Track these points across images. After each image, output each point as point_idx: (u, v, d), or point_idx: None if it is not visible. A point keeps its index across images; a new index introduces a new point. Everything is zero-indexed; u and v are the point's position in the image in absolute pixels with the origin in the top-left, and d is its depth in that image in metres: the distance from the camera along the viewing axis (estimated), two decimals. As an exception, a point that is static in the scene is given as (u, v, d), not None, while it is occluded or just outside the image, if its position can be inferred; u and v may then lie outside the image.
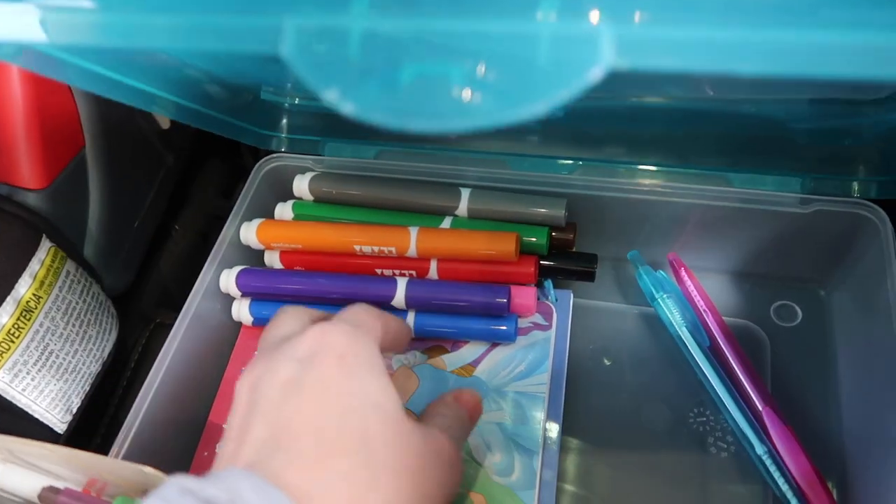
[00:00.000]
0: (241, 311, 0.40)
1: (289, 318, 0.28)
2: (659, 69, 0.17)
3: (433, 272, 0.38)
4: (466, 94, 0.18)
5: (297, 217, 0.42)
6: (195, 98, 0.37)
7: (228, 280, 0.39)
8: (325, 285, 0.39)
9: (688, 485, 0.35)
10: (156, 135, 0.46)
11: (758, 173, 0.38)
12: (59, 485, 0.29)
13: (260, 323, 0.40)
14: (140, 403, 0.34)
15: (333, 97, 0.18)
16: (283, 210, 0.42)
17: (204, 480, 0.21)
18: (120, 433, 0.33)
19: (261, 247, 0.41)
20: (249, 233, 0.40)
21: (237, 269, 0.40)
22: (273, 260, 0.41)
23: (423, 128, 0.18)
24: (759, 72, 0.16)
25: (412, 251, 0.37)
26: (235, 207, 0.41)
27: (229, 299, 0.40)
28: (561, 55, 0.17)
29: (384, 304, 0.37)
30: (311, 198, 0.42)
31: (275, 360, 0.25)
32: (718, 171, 0.38)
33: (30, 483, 0.30)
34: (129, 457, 0.33)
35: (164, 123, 0.46)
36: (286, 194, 0.43)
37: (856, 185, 0.36)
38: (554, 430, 0.35)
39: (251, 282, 0.39)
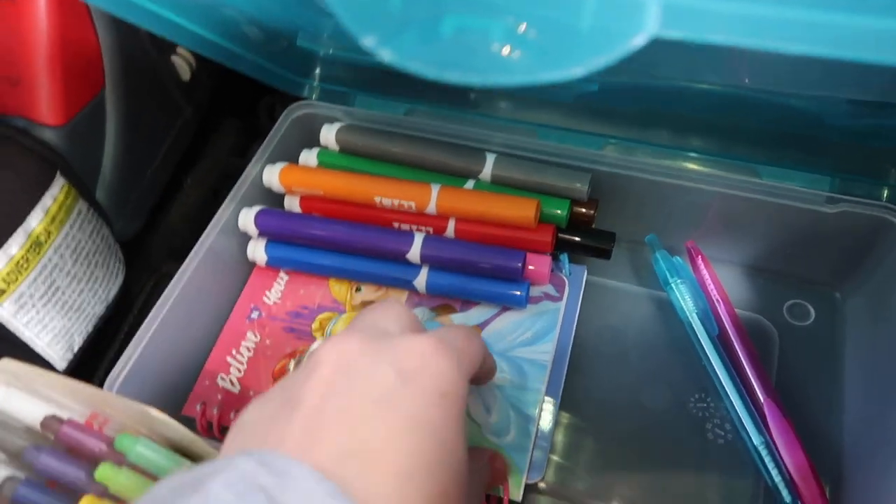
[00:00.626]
0: (257, 250, 0.40)
1: (392, 312, 0.26)
2: (701, 41, 0.17)
3: (450, 231, 0.38)
4: (506, 50, 0.18)
5: (322, 165, 0.42)
6: (231, 38, 0.37)
7: (247, 218, 0.40)
8: (343, 233, 0.39)
9: (681, 468, 0.35)
10: (176, 86, 0.46)
11: (787, 168, 0.37)
12: (63, 415, 0.29)
13: (274, 264, 0.41)
14: (143, 333, 0.34)
15: (371, 43, 0.18)
16: (308, 157, 0.42)
17: (278, 479, 0.19)
18: (120, 360, 0.33)
19: (282, 190, 0.41)
20: (272, 175, 0.40)
21: (257, 207, 0.40)
22: (293, 204, 0.41)
23: (459, 80, 0.18)
24: (797, 51, 0.16)
25: (432, 208, 0.38)
26: (261, 149, 0.41)
27: (245, 238, 0.41)
28: (604, 20, 0.17)
29: (400, 257, 0.38)
30: (336, 148, 0.42)
31: (373, 355, 0.23)
32: (748, 162, 0.38)
33: (32, 410, 0.30)
34: (125, 386, 0.33)
35: (185, 75, 0.46)
36: (313, 142, 0.43)
37: (885, 191, 0.36)
38: (552, 399, 0.35)
39: (270, 222, 0.40)
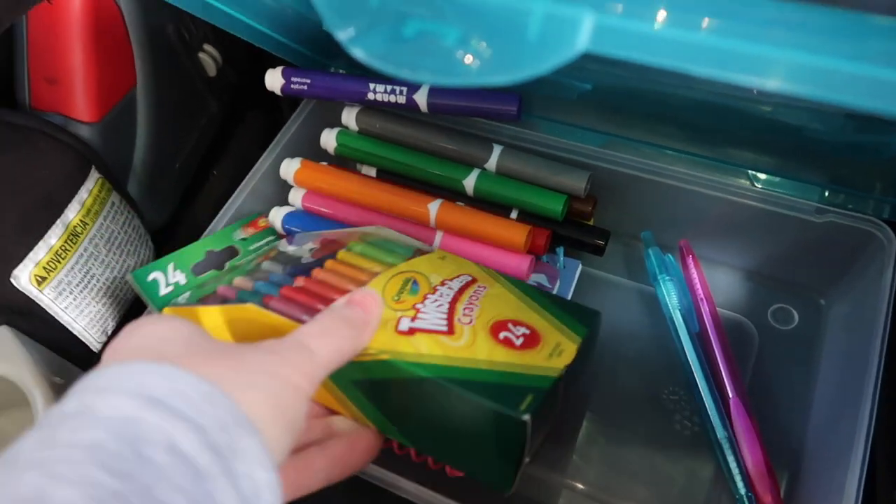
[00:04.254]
0: (276, 219, 0.44)
1: None
2: (628, 59, 0.18)
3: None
4: (460, 54, 0.20)
5: (340, 146, 0.45)
6: (258, 16, 0.40)
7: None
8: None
9: (645, 452, 0.37)
10: (203, 82, 0.49)
11: (781, 177, 0.38)
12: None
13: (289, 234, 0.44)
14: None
15: (345, 38, 0.21)
16: (329, 136, 0.45)
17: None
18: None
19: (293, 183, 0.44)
20: (289, 169, 0.44)
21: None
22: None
23: (418, 79, 0.20)
24: (720, 77, 0.18)
25: (431, 223, 0.41)
26: (288, 123, 0.45)
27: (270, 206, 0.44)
28: (545, 34, 0.19)
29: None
30: (356, 128, 0.45)
31: None
32: (744, 168, 0.39)
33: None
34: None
35: (211, 71, 0.49)
36: (335, 122, 0.46)
37: (871, 203, 0.37)
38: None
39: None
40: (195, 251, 0.40)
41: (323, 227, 0.43)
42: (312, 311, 0.31)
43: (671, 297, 0.39)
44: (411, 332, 0.32)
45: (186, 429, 0.19)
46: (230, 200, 0.42)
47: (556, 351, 0.32)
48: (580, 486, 0.36)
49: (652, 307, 0.41)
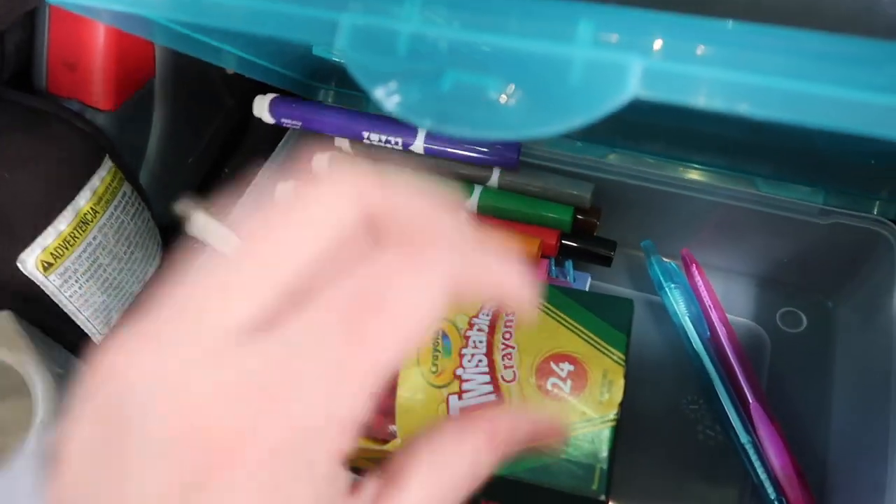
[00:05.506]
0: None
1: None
2: (680, 103, 0.18)
3: None
4: (500, 105, 0.19)
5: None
6: (246, 47, 0.39)
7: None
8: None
9: (672, 466, 0.36)
10: (221, 78, 0.48)
11: (783, 180, 0.39)
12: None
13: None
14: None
15: (380, 95, 0.20)
16: (321, 161, 0.44)
17: None
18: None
19: None
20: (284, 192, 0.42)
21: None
22: None
23: (458, 133, 0.19)
24: (775, 117, 0.18)
25: None
26: (279, 147, 0.44)
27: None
28: (590, 81, 0.19)
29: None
30: (350, 151, 0.44)
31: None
32: (745, 173, 0.39)
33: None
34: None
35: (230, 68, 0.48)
36: (327, 145, 0.45)
37: (877, 204, 0.37)
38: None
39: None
40: None
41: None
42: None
43: (679, 305, 0.39)
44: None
45: None
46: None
47: (606, 383, 0.32)
48: None
49: (659, 316, 0.41)
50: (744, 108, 0.18)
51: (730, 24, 0.18)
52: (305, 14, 0.21)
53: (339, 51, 0.20)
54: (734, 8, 0.20)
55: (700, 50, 0.18)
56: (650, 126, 0.41)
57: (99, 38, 0.38)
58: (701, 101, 0.18)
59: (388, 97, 0.20)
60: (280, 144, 0.44)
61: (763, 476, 0.35)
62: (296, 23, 0.21)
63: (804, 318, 0.41)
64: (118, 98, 0.40)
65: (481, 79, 0.19)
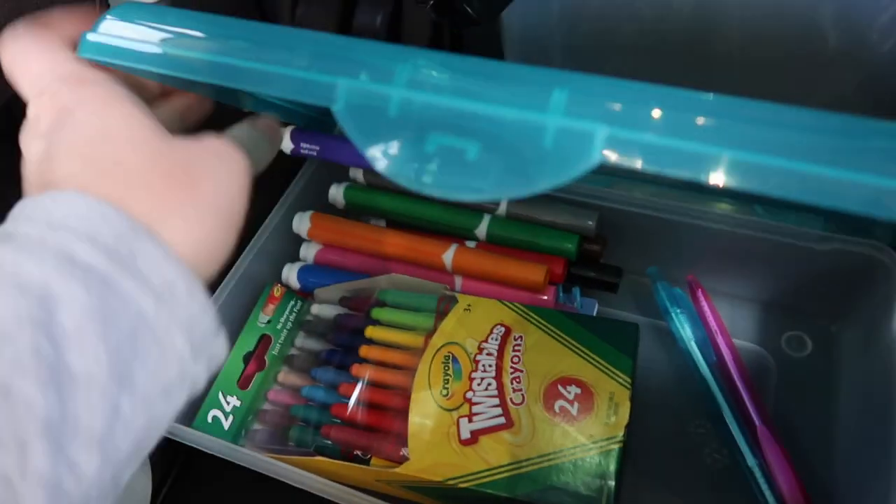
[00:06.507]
0: (290, 276, 0.44)
1: None
2: (644, 170, 0.19)
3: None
4: (479, 167, 0.21)
5: (349, 201, 0.45)
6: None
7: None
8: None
9: (679, 490, 0.37)
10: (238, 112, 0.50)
11: (783, 207, 0.40)
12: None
13: (305, 290, 0.44)
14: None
15: (373, 154, 0.22)
16: (337, 191, 0.45)
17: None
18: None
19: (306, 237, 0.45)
20: (302, 224, 0.45)
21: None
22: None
23: (437, 195, 0.21)
24: (733, 185, 0.19)
25: (448, 268, 0.41)
26: (296, 179, 0.46)
27: (280, 261, 0.45)
28: (560, 148, 0.20)
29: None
30: (363, 182, 0.46)
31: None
32: (746, 200, 0.40)
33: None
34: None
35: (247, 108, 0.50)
36: (342, 175, 0.46)
37: (876, 229, 0.38)
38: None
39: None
40: (233, 364, 0.41)
41: (336, 279, 0.43)
42: (370, 435, 0.36)
43: (685, 330, 0.40)
44: (474, 438, 0.33)
45: (78, 240, 0.20)
46: (238, 261, 0.42)
47: (612, 405, 0.33)
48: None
49: (666, 342, 0.42)
50: (703, 177, 0.19)
51: (710, 96, 0.20)
52: (308, 78, 0.23)
53: (337, 113, 0.22)
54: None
55: (663, 118, 0.19)
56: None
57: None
58: (667, 170, 0.19)
59: (377, 160, 0.22)
60: (293, 182, 0.46)
61: (770, 499, 0.35)
62: (299, 85, 0.23)
63: (809, 342, 0.41)
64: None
65: (461, 142, 0.21)
